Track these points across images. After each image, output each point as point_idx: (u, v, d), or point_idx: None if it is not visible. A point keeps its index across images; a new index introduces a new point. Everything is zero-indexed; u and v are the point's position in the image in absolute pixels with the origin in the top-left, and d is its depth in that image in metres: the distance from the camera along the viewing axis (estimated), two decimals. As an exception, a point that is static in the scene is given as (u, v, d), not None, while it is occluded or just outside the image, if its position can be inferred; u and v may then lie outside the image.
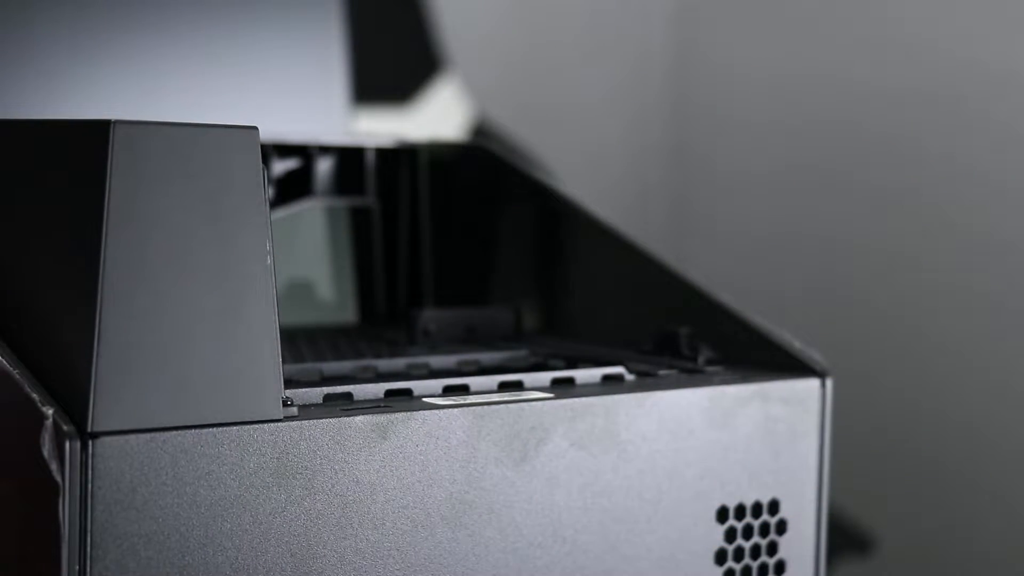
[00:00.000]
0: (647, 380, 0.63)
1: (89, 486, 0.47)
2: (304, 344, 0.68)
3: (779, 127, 1.32)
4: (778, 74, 1.33)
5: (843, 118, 1.27)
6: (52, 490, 0.47)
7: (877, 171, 1.24)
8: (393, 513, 0.53)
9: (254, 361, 0.50)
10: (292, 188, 0.76)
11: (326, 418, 0.51)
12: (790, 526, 0.64)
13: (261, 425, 0.50)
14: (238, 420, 0.49)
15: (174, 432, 0.48)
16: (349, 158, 0.78)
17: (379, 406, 0.54)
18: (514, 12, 1.32)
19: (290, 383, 0.55)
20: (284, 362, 0.51)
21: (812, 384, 0.65)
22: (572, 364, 0.66)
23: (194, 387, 0.48)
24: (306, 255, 0.69)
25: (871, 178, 1.25)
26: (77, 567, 0.47)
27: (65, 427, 0.46)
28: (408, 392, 0.57)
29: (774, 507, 0.64)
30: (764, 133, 1.33)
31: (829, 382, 0.66)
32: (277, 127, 0.81)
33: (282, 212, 0.74)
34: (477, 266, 0.77)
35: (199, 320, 0.49)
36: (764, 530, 0.64)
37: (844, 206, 1.27)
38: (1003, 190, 1.17)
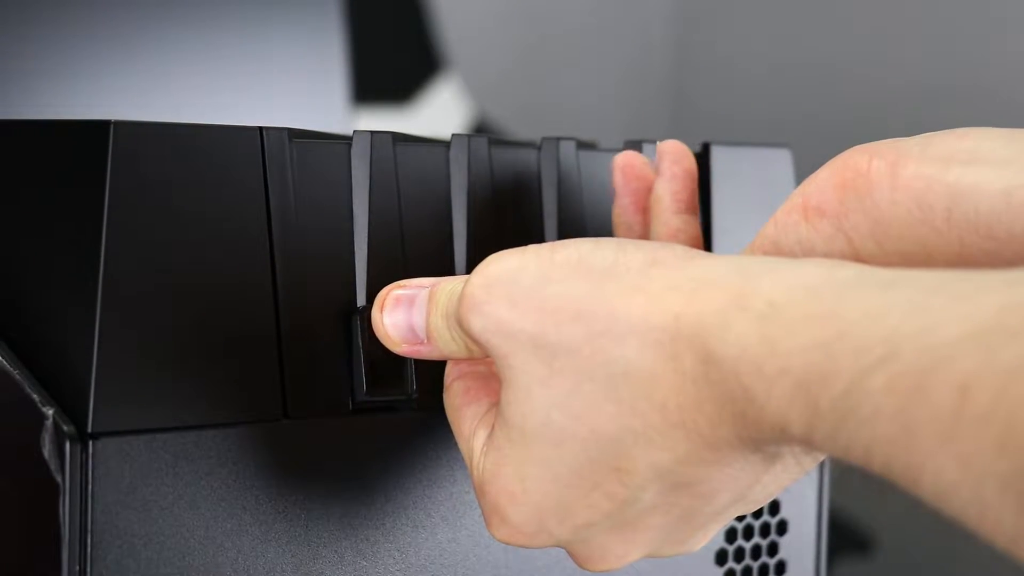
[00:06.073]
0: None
1: (89, 487, 0.46)
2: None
3: (783, 124, 1.32)
4: (782, 71, 1.33)
5: (849, 114, 1.27)
6: (52, 491, 0.47)
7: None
8: (393, 513, 0.53)
9: (254, 361, 0.50)
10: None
11: (327, 418, 0.51)
12: (791, 526, 0.64)
13: (261, 425, 0.50)
14: (238, 420, 0.49)
15: (174, 433, 0.48)
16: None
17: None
18: (514, 12, 1.32)
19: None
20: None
21: (813, 384, 0.65)
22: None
23: (194, 387, 0.48)
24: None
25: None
26: (77, 567, 0.47)
27: (65, 428, 0.46)
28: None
29: (775, 507, 0.64)
30: (767, 131, 1.33)
31: (830, 382, 0.66)
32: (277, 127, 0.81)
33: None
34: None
35: (200, 320, 0.49)
36: (765, 530, 0.64)
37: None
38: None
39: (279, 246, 0.50)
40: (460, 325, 0.45)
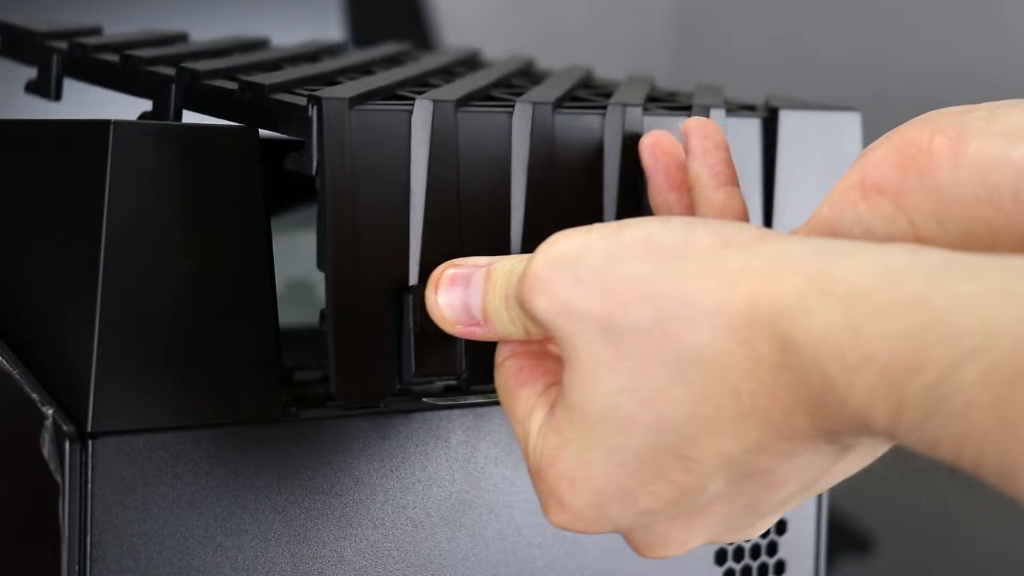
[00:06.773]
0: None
1: (89, 486, 0.47)
2: (306, 345, 0.68)
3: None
4: (782, 65, 1.33)
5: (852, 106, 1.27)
6: (52, 490, 0.47)
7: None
8: (393, 513, 0.53)
9: (254, 361, 0.50)
10: (295, 187, 0.76)
11: (326, 418, 0.51)
12: (790, 526, 0.64)
13: (259, 425, 0.50)
14: (238, 420, 0.49)
15: (174, 432, 0.48)
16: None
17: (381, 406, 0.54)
18: (514, 9, 1.32)
19: (295, 384, 0.55)
20: (287, 363, 0.51)
21: (812, 384, 0.65)
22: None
23: (194, 387, 0.48)
24: (310, 254, 0.69)
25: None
26: (77, 567, 0.47)
27: (65, 427, 0.46)
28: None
29: (774, 507, 0.64)
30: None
31: (829, 382, 0.66)
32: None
33: (288, 212, 0.74)
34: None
35: (199, 320, 0.49)
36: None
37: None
38: None
39: (332, 218, 0.48)
40: (522, 305, 0.43)
